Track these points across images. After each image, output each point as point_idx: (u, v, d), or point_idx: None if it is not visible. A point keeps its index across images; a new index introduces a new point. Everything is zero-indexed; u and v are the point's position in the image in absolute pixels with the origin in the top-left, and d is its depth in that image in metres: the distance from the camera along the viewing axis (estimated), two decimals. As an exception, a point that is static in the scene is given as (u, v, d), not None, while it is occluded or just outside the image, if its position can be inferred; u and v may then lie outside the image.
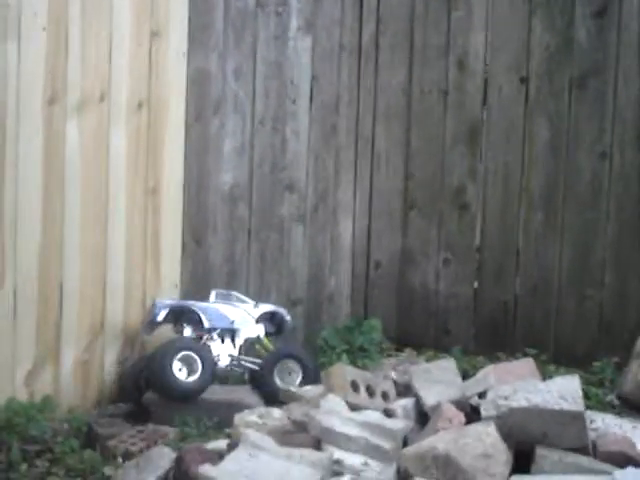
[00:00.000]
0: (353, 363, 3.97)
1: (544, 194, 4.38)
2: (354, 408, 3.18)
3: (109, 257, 3.63)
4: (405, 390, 3.42)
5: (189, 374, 3.54)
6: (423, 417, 3.18)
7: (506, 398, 2.84)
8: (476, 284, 4.52)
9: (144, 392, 3.56)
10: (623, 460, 2.81)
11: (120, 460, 3.08)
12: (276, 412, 3.19)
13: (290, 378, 3.72)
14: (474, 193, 4.50)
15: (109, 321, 3.65)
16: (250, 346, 3.87)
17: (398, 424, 3.04)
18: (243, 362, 3.76)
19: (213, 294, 3.90)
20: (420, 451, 2.73)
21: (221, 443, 3.04)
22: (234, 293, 3.94)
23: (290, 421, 3.11)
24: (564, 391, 2.85)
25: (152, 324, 3.73)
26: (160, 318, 3.71)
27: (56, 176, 3.43)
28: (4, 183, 3.27)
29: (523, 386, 2.92)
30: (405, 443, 2.98)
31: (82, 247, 3.52)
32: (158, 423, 3.41)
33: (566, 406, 2.79)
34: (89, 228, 3.55)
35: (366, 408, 3.20)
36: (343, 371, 3.37)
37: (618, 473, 2.71)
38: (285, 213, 4.37)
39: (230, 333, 3.79)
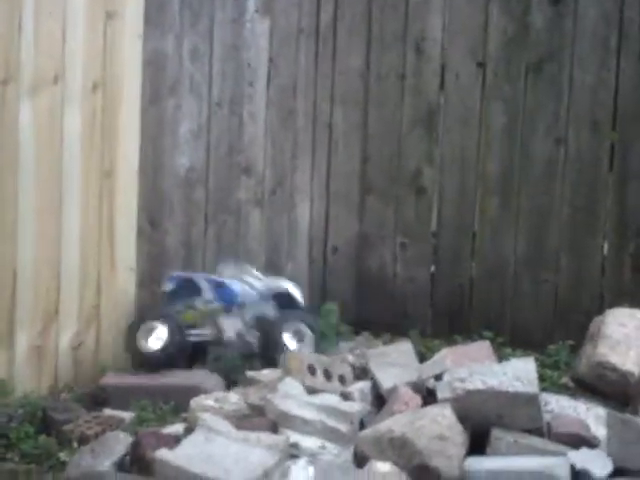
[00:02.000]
0: (310, 347, 3.97)
1: (500, 178, 4.41)
2: (311, 391, 3.19)
3: (63, 241, 3.58)
4: (362, 373, 3.43)
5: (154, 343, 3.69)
6: (380, 400, 3.20)
7: (462, 380, 2.86)
8: (433, 268, 4.54)
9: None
10: (577, 441, 2.85)
11: (76, 445, 3.06)
12: (233, 396, 3.19)
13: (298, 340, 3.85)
14: (431, 177, 4.52)
15: (64, 306, 3.61)
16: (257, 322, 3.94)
17: (355, 407, 3.05)
18: (246, 336, 3.85)
19: (222, 267, 4.02)
20: (377, 434, 2.74)
21: (178, 427, 3.03)
22: (246, 266, 4.05)
23: (247, 405, 3.11)
24: (519, 373, 2.87)
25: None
26: (168, 289, 3.89)
27: (9, 158, 3.38)
28: (-44, 165, 3.22)
29: (479, 369, 2.94)
30: (362, 426, 2.99)
31: (36, 231, 3.48)
32: (115, 408, 3.39)
33: (521, 388, 2.81)
34: (43, 211, 3.50)
35: (323, 391, 3.20)
36: (300, 355, 3.38)
37: (572, 454, 2.74)
38: (242, 197, 4.35)
39: (238, 308, 3.89)
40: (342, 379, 3.37)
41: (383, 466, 2.57)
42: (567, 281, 4.31)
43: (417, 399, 3.03)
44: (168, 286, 3.90)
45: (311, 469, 2.30)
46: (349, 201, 4.65)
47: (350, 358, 3.54)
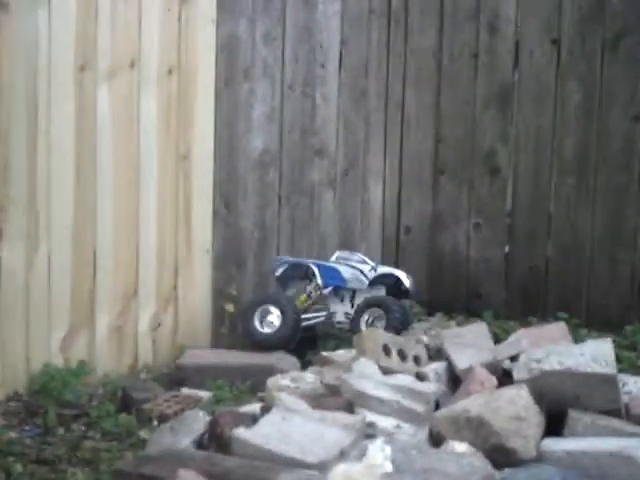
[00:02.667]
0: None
1: (576, 157, 4.35)
2: (386, 372, 3.19)
3: (141, 223, 3.65)
4: (436, 354, 3.42)
5: (268, 325, 3.85)
6: (455, 381, 3.19)
7: (539, 361, 2.84)
8: (507, 248, 4.51)
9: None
10: (656, 423, 2.81)
11: (155, 423, 3.11)
12: (308, 376, 3.21)
13: (376, 323, 3.88)
14: (505, 157, 4.48)
15: (142, 287, 3.68)
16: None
17: (430, 387, 3.05)
18: (350, 318, 3.97)
19: (336, 254, 4.13)
20: (453, 414, 2.74)
21: (254, 407, 3.06)
22: (358, 254, 4.11)
23: (323, 385, 3.13)
24: (597, 354, 2.84)
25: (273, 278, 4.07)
26: (278, 273, 4.02)
27: (88, 143, 3.45)
28: (37, 150, 3.29)
29: (555, 349, 2.92)
30: (437, 406, 2.99)
31: (115, 213, 3.55)
32: (192, 387, 3.44)
33: (599, 369, 2.78)
34: (121, 194, 3.57)
35: (398, 372, 3.20)
36: (375, 335, 3.38)
37: (651, 435, 2.71)
38: (315, 178, 4.37)
39: (349, 293, 4.00)
40: (417, 359, 3.36)
41: (460, 446, 2.57)
42: (645, 261, 4.25)
43: (493, 380, 3.01)
44: (278, 270, 4.03)
45: (388, 448, 2.31)
46: (422, 182, 4.64)
47: (424, 339, 3.53)
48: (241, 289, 4.07)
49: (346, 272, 4.01)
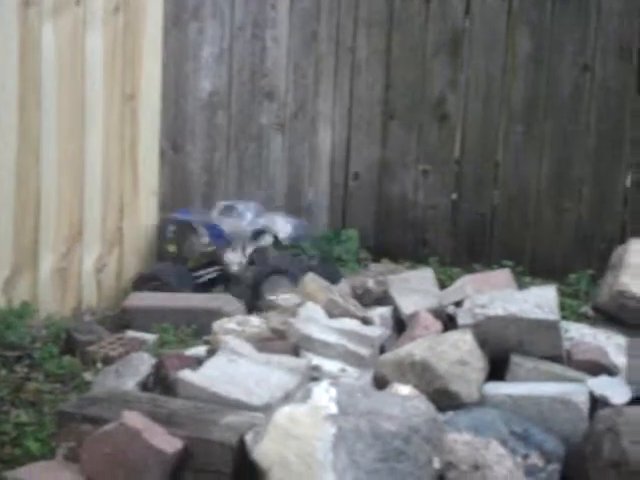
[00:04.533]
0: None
1: (525, 106, 4.36)
2: (332, 316, 3.21)
3: (87, 164, 3.59)
4: (382, 299, 3.44)
5: None
6: (400, 325, 3.22)
7: (483, 307, 2.86)
8: (454, 196, 4.53)
9: None
10: (596, 368, 2.85)
11: (100, 365, 3.09)
12: (255, 320, 3.21)
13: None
14: (454, 104, 4.48)
15: (87, 228, 3.63)
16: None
17: (375, 331, 3.07)
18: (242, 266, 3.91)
19: (221, 204, 4.05)
20: (397, 358, 2.76)
21: (200, 350, 3.06)
22: (242, 204, 4.06)
23: (269, 328, 3.13)
24: (540, 301, 2.87)
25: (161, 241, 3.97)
26: (169, 234, 3.93)
27: (32, 81, 3.37)
28: (-22, 87, 3.21)
29: (500, 295, 2.94)
30: (382, 350, 3.01)
31: (59, 153, 3.48)
32: (137, 330, 3.42)
33: (542, 315, 2.82)
34: (66, 133, 3.50)
35: (343, 316, 3.22)
36: (320, 280, 3.38)
37: (591, 381, 2.76)
38: (264, 121, 4.33)
39: (240, 242, 3.94)
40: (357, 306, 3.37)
41: (404, 389, 2.59)
42: (589, 210, 4.30)
43: (437, 324, 3.04)
44: (168, 230, 3.93)
45: (333, 391, 2.32)
46: (371, 127, 4.62)
47: (370, 283, 3.55)
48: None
49: (228, 227, 3.95)
